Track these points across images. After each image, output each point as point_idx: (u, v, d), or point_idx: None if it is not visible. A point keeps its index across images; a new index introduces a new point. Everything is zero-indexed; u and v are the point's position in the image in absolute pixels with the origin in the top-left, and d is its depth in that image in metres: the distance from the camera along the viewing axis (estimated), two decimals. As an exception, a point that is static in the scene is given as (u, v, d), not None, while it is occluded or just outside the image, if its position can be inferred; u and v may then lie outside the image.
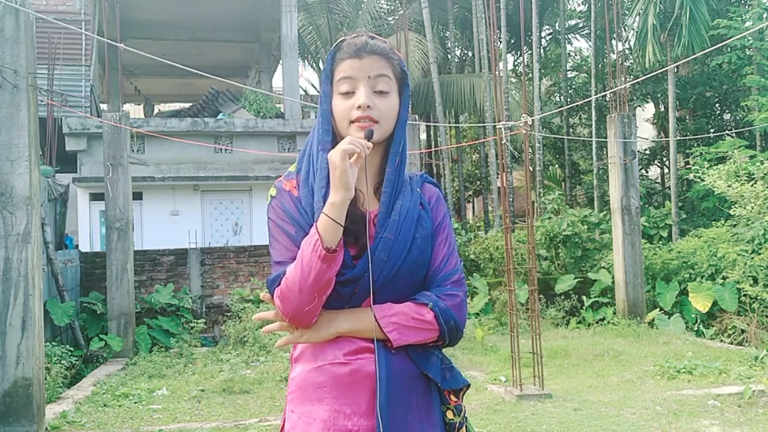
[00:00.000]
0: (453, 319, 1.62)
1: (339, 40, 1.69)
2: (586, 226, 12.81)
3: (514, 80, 20.45)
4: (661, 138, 19.62)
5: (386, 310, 1.59)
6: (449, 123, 19.74)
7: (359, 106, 1.59)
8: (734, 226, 11.66)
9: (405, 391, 1.58)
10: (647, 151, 19.54)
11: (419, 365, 1.61)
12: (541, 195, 15.97)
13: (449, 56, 21.59)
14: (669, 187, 17.31)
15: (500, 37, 16.32)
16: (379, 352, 1.58)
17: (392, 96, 1.65)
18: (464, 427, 1.68)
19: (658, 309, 11.03)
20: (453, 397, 1.67)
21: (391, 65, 1.66)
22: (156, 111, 22.21)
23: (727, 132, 16.59)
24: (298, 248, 1.57)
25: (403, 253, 1.61)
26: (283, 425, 1.68)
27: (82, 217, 14.03)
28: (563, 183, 20.04)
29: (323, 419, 1.57)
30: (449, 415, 1.66)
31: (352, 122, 1.60)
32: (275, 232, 1.65)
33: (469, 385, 1.71)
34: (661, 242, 13.81)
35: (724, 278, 10.42)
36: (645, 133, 21.15)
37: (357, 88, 1.61)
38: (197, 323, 10.33)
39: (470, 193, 24.00)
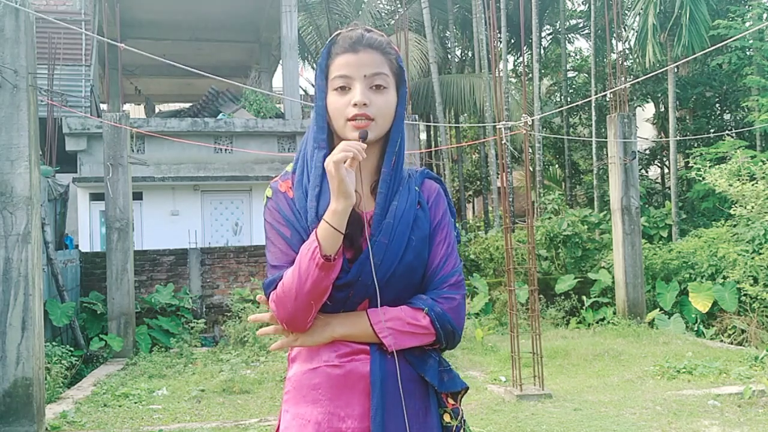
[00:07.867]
0: (449, 323, 1.58)
1: (335, 33, 1.63)
2: (586, 226, 12.81)
3: (514, 80, 20.45)
4: (661, 138, 19.61)
5: (381, 314, 1.55)
6: (449, 123, 19.74)
7: (355, 104, 1.53)
8: (734, 226, 11.66)
9: (401, 393, 1.54)
10: (647, 151, 19.55)
11: (416, 368, 1.58)
12: (541, 195, 15.97)
13: (449, 56, 21.59)
14: (669, 187, 17.31)
15: (500, 37, 16.32)
16: (374, 354, 1.54)
17: (389, 92, 1.58)
18: (462, 431, 1.64)
19: (658, 309, 11.03)
20: (450, 400, 1.63)
21: (388, 60, 1.60)
22: (156, 111, 22.20)
23: (727, 132, 16.60)
24: (294, 252, 1.54)
25: (397, 257, 1.56)
26: (279, 425, 1.66)
27: (82, 217, 14.02)
28: (563, 183, 20.05)
29: (317, 421, 1.54)
30: (446, 418, 1.62)
31: (348, 120, 1.54)
32: (271, 235, 1.61)
33: (467, 388, 1.67)
34: (661, 242, 13.81)
35: (724, 278, 10.41)
36: (645, 133, 21.14)
37: (353, 84, 1.55)
38: (197, 323, 10.33)
39: (470, 193, 24.01)
